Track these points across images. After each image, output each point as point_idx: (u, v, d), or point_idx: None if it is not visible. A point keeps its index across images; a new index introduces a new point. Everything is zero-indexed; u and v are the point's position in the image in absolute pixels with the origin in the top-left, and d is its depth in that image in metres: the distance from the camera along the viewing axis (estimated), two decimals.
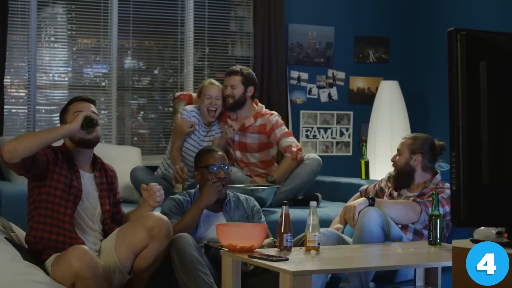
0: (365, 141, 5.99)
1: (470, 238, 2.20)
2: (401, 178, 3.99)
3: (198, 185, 3.98)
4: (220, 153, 3.94)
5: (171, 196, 3.98)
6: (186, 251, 3.48)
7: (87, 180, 3.50)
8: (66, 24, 5.69)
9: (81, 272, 3.07)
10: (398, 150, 4.04)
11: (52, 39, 5.65)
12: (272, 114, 5.02)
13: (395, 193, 4.04)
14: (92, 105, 3.54)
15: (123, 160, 5.10)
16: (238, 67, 5.09)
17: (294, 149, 4.84)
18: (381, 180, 4.24)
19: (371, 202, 3.73)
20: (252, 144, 5.00)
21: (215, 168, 3.83)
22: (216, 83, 5.04)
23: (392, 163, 4.06)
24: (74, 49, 5.71)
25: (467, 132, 2.06)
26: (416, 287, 3.60)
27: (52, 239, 3.35)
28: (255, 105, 5.09)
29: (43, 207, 3.37)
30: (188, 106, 5.05)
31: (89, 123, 3.39)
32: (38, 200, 3.39)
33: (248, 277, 3.56)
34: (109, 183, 3.61)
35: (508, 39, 2.13)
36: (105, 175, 3.59)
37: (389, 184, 4.11)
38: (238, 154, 5.02)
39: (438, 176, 3.99)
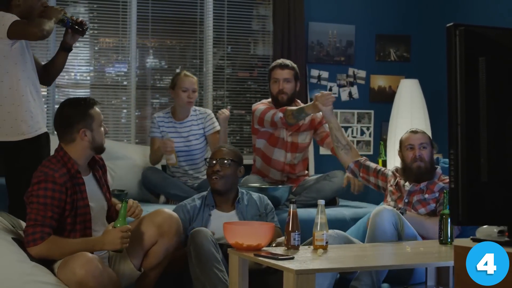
0: (384, 140, 5.94)
1: (471, 237, 2.17)
2: (428, 172, 3.97)
3: (209, 188, 3.98)
4: (222, 148, 3.98)
5: (181, 203, 3.96)
6: (204, 246, 3.47)
7: (90, 184, 3.38)
8: (88, 23, 5.71)
9: (85, 281, 3.01)
10: (422, 143, 3.99)
11: None
12: None
13: (402, 182, 4.01)
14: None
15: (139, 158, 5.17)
16: (287, 61, 4.86)
17: None
18: (385, 169, 4.19)
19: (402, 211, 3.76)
20: (303, 144, 4.85)
21: (213, 162, 3.92)
22: (191, 75, 4.92)
23: (413, 158, 3.97)
24: (96, 48, 5.75)
25: (466, 129, 2.02)
26: (428, 286, 3.56)
27: None
28: (299, 102, 4.90)
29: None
30: (156, 116, 4.91)
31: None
32: None
33: (261, 276, 3.55)
34: (104, 172, 3.52)
35: (508, 34, 2.10)
36: (98, 165, 3.48)
37: (397, 174, 4.07)
38: (289, 156, 4.84)
39: (439, 170, 3.99)
